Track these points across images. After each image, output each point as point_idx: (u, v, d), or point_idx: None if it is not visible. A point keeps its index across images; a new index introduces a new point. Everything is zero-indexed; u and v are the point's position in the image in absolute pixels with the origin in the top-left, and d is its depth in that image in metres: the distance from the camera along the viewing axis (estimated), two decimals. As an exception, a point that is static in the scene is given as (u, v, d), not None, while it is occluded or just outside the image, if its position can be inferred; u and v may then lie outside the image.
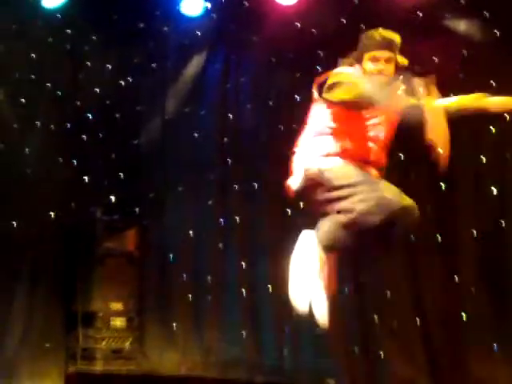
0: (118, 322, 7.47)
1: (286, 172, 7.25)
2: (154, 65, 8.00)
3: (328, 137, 4.60)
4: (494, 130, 6.69)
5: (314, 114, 4.79)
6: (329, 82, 4.60)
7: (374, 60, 4.67)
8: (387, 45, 4.69)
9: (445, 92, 6.61)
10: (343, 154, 4.51)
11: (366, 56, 4.70)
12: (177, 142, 7.87)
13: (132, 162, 7.91)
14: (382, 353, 6.54)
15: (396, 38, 4.76)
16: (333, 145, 4.55)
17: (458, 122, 6.66)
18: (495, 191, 6.61)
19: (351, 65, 4.73)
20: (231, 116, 7.70)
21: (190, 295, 7.55)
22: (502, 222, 6.57)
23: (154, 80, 8.03)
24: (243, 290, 7.34)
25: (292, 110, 7.38)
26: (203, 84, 7.91)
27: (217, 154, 7.74)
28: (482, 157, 6.68)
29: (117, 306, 7.49)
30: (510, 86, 6.60)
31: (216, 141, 7.76)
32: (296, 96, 7.36)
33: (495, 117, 6.57)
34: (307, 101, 7.28)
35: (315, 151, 4.59)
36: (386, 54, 4.69)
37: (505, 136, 6.68)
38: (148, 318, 7.65)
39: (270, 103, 7.53)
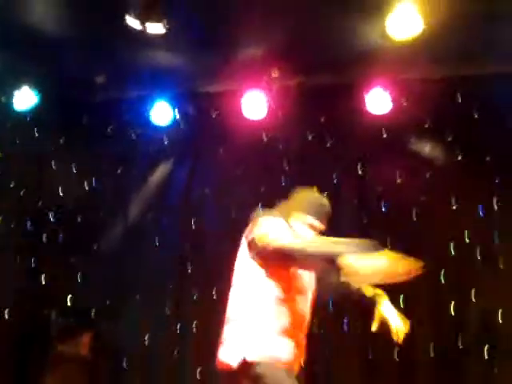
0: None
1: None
2: (119, 170, 8.04)
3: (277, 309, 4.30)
4: (453, 252, 6.85)
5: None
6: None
7: (311, 227, 4.42)
8: (328, 218, 4.49)
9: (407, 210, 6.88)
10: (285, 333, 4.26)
11: (303, 218, 4.43)
12: (138, 248, 7.83)
13: (90, 266, 7.82)
14: None
15: None
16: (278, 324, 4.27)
17: (419, 238, 6.96)
18: (452, 310, 6.72)
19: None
20: (193, 225, 7.72)
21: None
22: (459, 341, 6.67)
23: (118, 185, 8.05)
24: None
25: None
26: (167, 192, 7.94)
27: (177, 262, 7.71)
28: (441, 277, 6.80)
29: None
30: (470, 206, 6.87)
31: (177, 248, 7.74)
32: (259, 209, 7.43)
33: (455, 238, 6.88)
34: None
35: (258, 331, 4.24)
36: (322, 226, 4.48)
37: (463, 257, 6.84)
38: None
39: (233, 215, 7.56)
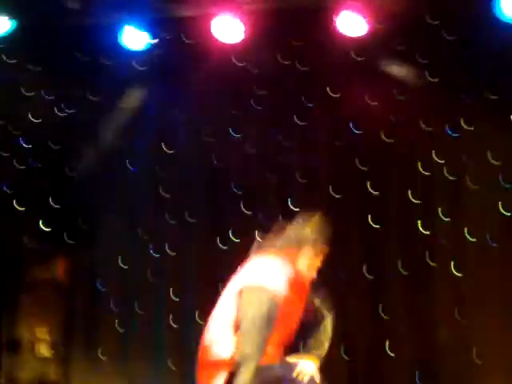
0: (44, 350, 7.38)
1: (219, 207, 7.48)
2: (92, 97, 8.02)
3: None
4: (423, 172, 6.95)
5: None
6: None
7: (316, 255, 4.53)
8: (327, 240, 4.58)
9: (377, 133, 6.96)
10: None
11: (309, 248, 4.52)
12: (111, 174, 7.87)
13: (65, 191, 7.86)
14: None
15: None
16: None
17: (388, 161, 7.06)
18: (423, 231, 6.87)
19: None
20: (167, 149, 7.75)
21: (118, 325, 7.50)
22: (429, 261, 6.82)
23: (91, 112, 8.03)
24: (171, 321, 7.35)
25: (227, 146, 7.53)
26: (141, 118, 7.93)
27: (151, 187, 7.75)
28: (410, 197, 6.92)
29: (43, 333, 7.40)
30: (440, 127, 6.97)
31: (151, 174, 7.78)
32: (232, 133, 7.52)
33: (425, 158, 6.99)
34: (243, 136, 7.55)
35: None
36: (326, 249, 4.58)
37: (433, 178, 6.95)
38: (74, 347, 7.57)
39: (206, 137, 7.62)
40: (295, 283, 4.44)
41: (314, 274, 4.53)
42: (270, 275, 4.39)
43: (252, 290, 4.35)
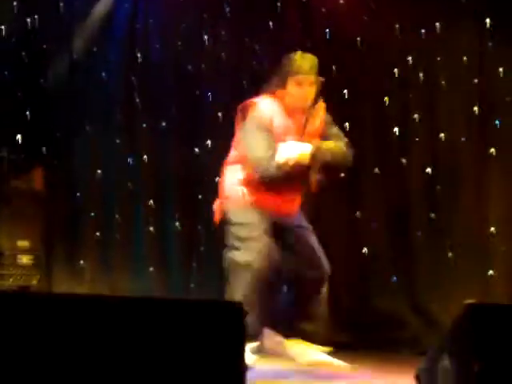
0: (25, 260, 7.43)
1: (193, 113, 7.50)
2: (61, 3, 7.91)
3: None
4: (396, 74, 7.01)
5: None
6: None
7: (299, 84, 5.03)
8: (310, 69, 5.06)
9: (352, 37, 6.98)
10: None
11: (291, 80, 5.05)
12: (84, 82, 7.82)
13: (39, 100, 7.80)
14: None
15: (316, 60, 5.14)
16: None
17: (362, 65, 7.08)
18: (397, 132, 6.96)
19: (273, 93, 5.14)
20: (140, 56, 7.71)
21: (98, 233, 7.59)
22: (403, 160, 6.97)
23: (61, 19, 7.93)
24: (151, 228, 7.45)
25: (200, 50, 7.51)
26: (112, 24, 7.84)
27: (124, 93, 7.73)
28: (384, 99, 6.99)
29: (24, 243, 7.42)
30: (414, 32, 7.00)
31: (124, 80, 7.74)
32: (204, 36, 7.49)
33: (399, 61, 7.04)
34: (215, 41, 7.52)
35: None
36: (309, 78, 5.05)
37: (407, 79, 7.02)
38: (55, 256, 7.64)
39: (179, 43, 7.58)
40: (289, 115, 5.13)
41: (307, 103, 5.10)
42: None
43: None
